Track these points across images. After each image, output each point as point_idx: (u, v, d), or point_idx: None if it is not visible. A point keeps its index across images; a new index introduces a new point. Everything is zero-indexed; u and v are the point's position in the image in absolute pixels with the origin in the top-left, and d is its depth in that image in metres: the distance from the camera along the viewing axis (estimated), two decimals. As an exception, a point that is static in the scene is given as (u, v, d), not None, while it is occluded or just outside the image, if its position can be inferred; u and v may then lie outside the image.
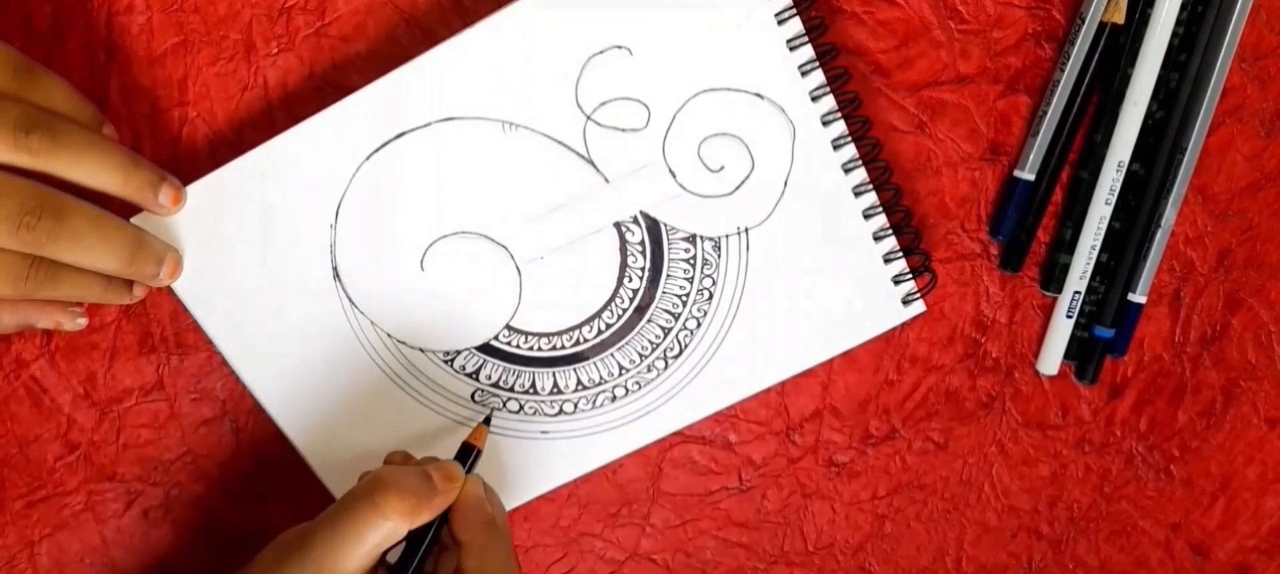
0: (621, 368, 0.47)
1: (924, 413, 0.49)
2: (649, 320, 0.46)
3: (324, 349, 0.46)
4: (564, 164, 0.44)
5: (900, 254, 0.45)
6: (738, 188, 0.44)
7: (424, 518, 0.39)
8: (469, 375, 0.47)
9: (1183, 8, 0.43)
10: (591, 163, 0.44)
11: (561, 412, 0.47)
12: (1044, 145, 0.45)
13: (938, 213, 0.46)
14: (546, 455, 0.48)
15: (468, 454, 0.43)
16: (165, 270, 0.43)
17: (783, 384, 0.48)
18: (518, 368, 0.47)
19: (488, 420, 0.46)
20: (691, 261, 0.45)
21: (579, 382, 0.47)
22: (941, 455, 0.50)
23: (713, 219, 0.44)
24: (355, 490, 0.39)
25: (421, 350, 0.46)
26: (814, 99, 0.43)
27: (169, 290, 0.45)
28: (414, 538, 0.40)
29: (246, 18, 0.44)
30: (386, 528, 0.38)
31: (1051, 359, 0.47)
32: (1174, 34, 0.43)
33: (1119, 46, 0.44)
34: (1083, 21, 0.43)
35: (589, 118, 0.43)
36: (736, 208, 0.44)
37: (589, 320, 0.46)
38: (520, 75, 0.42)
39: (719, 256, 0.45)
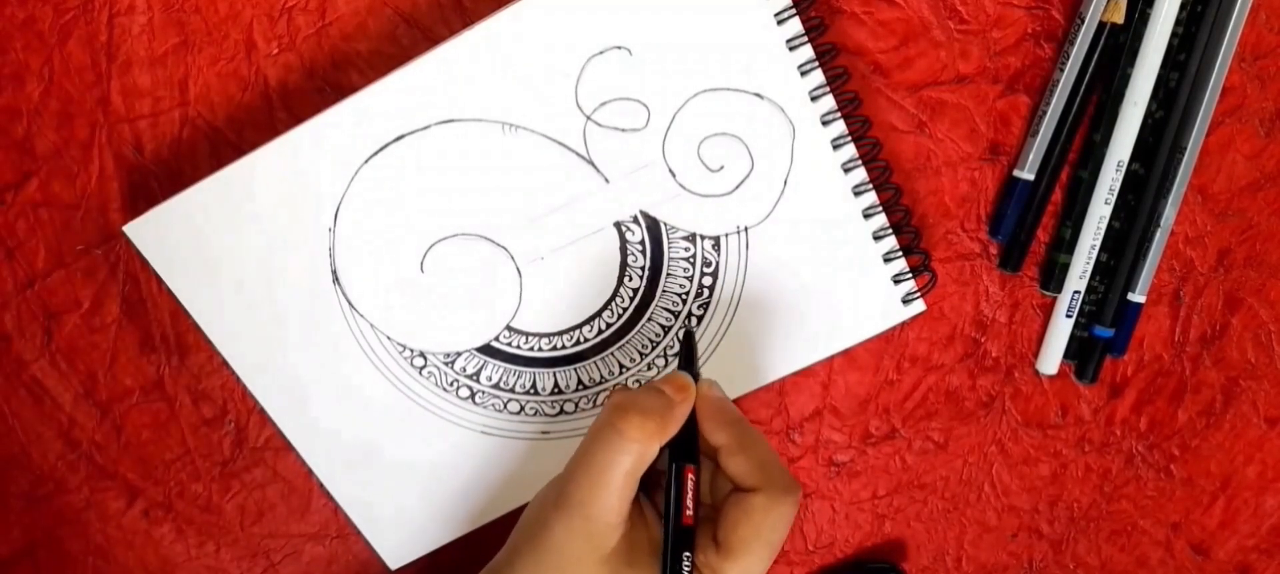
0: (622, 366, 0.47)
1: (924, 412, 0.49)
2: (649, 319, 0.46)
3: (324, 351, 0.46)
4: (564, 164, 0.44)
5: (900, 253, 0.45)
6: (737, 187, 0.44)
7: (670, 432, 0.38)
8: (470, 377, 0.47)
9: (1182, 7, 0.43)
10: (591, 163, 0.44)
11: (562, 411, 0.47)
12: (1043, 145, 0.45)
13: (937, 212, 0.46)
14: (548, 455, 0.48)
15: (691, 363, 0.42)
16: None
17: (782, 383, 0.48)
18: (518, 368, 0.47)
19: (690, 326, 0.44)
20: (691, 260, 0.45)
21: (580, 381, 0.47)
22: (941, 455, 0.50)
23: (713, 218, 0.44)
24: (596, 425, 0.38)
25: (422, 352, 0.46)
26: (814, 99, 0.43)
27: (169, 290, 0.45)
28: (673, 476, 0.39)
29: (247, 18, 0.44)
30: (636, 451, 0.37)
31: (1051, 359, 0.47)
32: (1173, 34, 0.43)
33: (1118, 46, 0.44)
34: (1082, 21, 0.43)
35: (589, 118, 0.43)
36: (736, 207, 0.44)
37: (590, 320, 0.46)
38: (520, 75, 0.42)
39: (719, 255, 0.45)
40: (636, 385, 0.47)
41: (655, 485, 0.42)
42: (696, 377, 0.41)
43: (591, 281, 0.45)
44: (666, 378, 0.39)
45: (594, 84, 0.43)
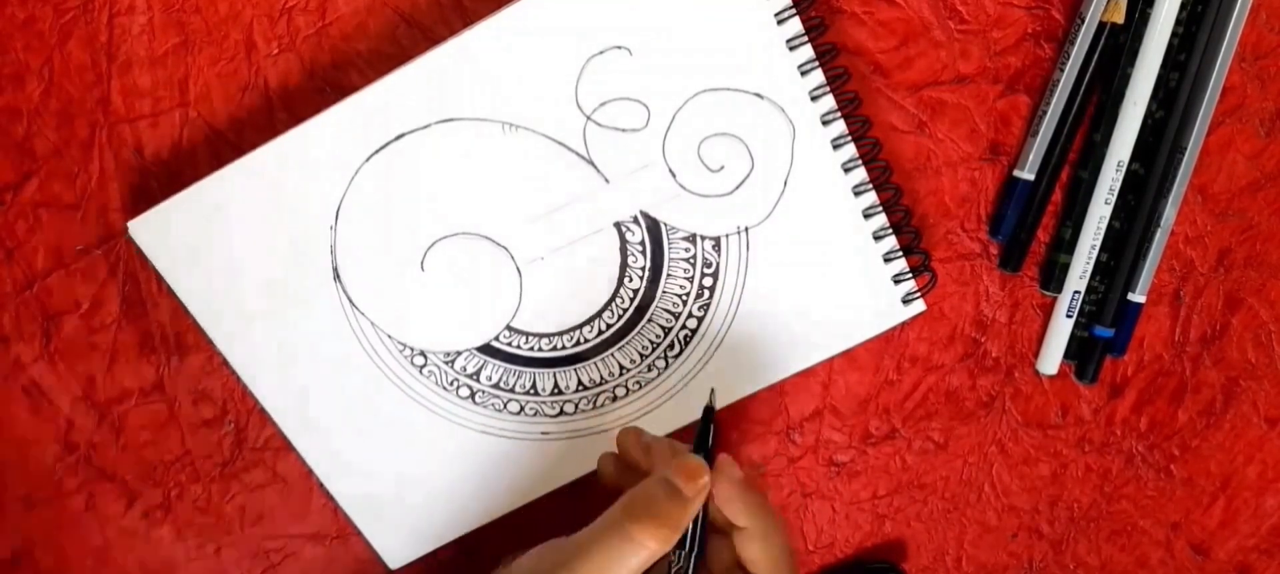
0: (622, 368, 0.47)
1: (924, 413, 0.49)
2: (649, 320, 0.46)
3: (324, 350, 0.46)
4: (564, 164, 0.44)
5: (900, 253, 0.45)
6: (738, 187, 0.44)
7: (681, 531, 0.37)
8: (470, 376, 0.47)
9: (1182, 7, 0.43)
10: (591, 163, 0.44)
11: (562, 412, 0.47)
12: (1044, 145, 0.45)
13: (938, 212, 0.46)
14: (548, 456, 0.48)
15: (706, 440, 0.40)
16: None
17: (783, 383, 0.48)
18: (518, 368, 0.47)
19: (711, 403, 0.41)
20: (691, 261, 0.45)
21: (580, 382, 0.47)
22: (941, 455, 0.50)
23: (713, 218, 0.44)
24: (606, 521, 0.37)
25: (422, 351, 0.46)
26: (814, 99, 0.43)
27: (169, 290, 0.45)
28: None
29: (247, 18, 0.44)
30: (644, 555, 0.36)
31: (1051, 359, 0.47)
32: (1174, 34, 0.43)
33: (1119, 46, 0.44)
34: (1082, 21, 0.43)
35: (589, 118, 0.43)
36: (736, 207, 0.44)
37: (590, 320, 0.46)
38: (520, 75, 0.42)
39: (719, 256, 0.45)
40: (632, 389, 0.47)
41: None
42: (711, 458, 0.39)
43: (592, 282, 0.45)
44: (682, 466, 0.38)
45: (594, 84, 0.43)
